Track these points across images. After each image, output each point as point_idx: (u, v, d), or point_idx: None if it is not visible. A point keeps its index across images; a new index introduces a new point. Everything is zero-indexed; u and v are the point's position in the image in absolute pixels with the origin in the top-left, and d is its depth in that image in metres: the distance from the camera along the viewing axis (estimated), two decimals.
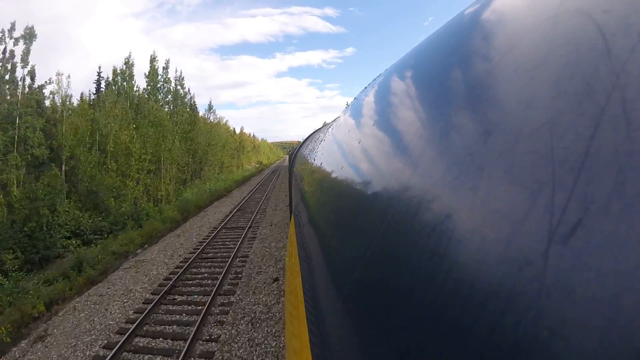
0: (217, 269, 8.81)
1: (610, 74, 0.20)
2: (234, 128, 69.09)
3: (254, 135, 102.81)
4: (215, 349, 5.40)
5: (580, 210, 0.17)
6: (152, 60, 29.23)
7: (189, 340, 5.42)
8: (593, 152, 0.18)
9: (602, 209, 0.17)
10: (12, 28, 18.07)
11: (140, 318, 6.21)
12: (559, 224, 0.18)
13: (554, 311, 0.17)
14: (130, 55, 26.58)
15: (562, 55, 0.25)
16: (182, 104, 31.90)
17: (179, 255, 10.29)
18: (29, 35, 18.43)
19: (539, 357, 0.16)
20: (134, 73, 26.70)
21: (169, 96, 31.08)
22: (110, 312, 6.95)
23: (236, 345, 5.47)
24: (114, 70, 25.93)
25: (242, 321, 6.20)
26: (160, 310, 6.73)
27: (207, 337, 5.71)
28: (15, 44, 17.98)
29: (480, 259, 0.23)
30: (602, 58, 0.21)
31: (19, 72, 18.31)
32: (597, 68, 0.21)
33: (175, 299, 7.22)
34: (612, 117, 0.18)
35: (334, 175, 0.85)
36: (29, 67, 18.70)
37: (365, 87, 1.20)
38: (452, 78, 0.41)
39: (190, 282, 8.13)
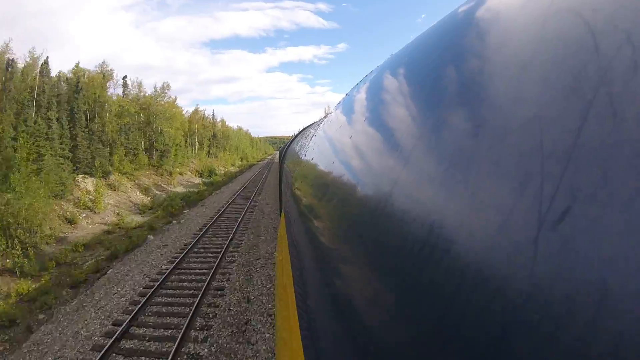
0: None
1: (598, 69, 0.21)
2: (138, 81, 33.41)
3: (215, 118, 58.12)
4: None
5: (568, 198, 0.18)
6: None
7: None
8: (580, 144, 0.19)
9: (589, 197, 0.17)
10: None
11: None
12: (547, 212, 0.19)
13: (544, 294, 0.17)
14: None
15: (551, 52, 0.26)
16: None
17: None
18: None
19: (529, 338, 0.17)
20: None
21: None
22: None
23: None
24: None
25: None
26: None
27: None
28: None
29: (472, 248, 0.24)
30: (590, 55, 0.22)
31: None
32: (586, 64, 0.22)
33: None
34: (599, 110, 0.19)
35: (324, 171, 0.85)
36: None
37: (357, 84, 1.20)
38: (444, 75, 0.42)
39: None
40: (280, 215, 1.95)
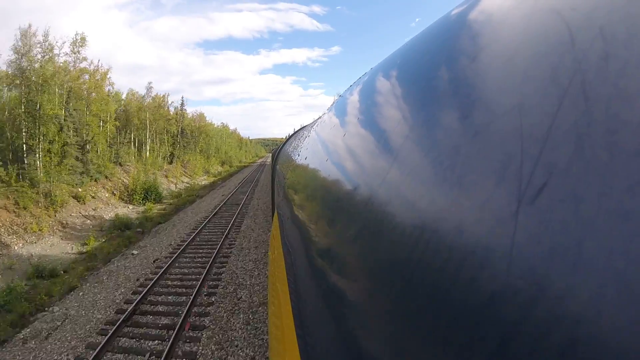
0: None
1: (573, 60, 0.23)
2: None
3: (184, 109, 40.87)
4: None
5: (545, 174, 0.20)
6: None
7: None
8: (556, 126, 0.21)
9: (564, 172, 0.19)
10: None
11: None
12: (527, 188, 0.20)
13: (525, 262, 0.18)
14: None
15: (533, 48, 0.28)
16: None
17: None
18: None
19: (513, 303, 0.18)
20: None
21: None
22: None
23: None
24: None
25: None
26: None
27: None
28: None
29: (458, 226, 0.25)
30: (567, 48, 0.24)
31: None
32: (563, 56, 0.24)
33: None
34: (573, 95, 0.21)
35: (316, 171, 0.85)
36: None
37: (351, 86, 1.21)
38: (434, 75, 0.43)
39: None
40: (273, 216, 1.95)
